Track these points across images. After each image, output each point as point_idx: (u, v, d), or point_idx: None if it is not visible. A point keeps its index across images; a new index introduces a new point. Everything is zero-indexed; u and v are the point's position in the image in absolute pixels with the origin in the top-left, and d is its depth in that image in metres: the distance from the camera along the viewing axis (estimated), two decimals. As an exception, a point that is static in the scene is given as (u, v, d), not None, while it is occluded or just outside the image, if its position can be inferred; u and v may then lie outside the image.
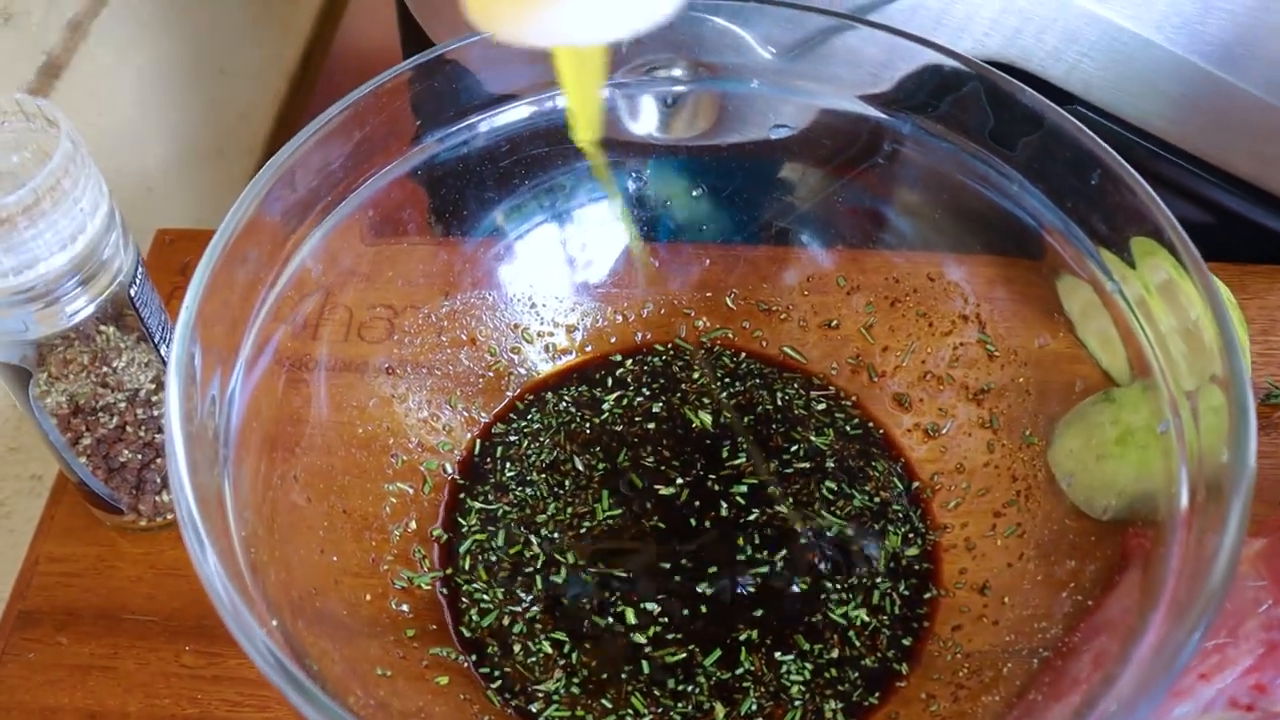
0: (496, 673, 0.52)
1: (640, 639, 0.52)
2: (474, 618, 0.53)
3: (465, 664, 0.52)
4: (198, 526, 0.40)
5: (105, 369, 0.51)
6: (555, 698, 0.51)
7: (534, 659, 0.52)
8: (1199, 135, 0.67)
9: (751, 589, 0.54)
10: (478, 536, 0.56)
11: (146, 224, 0.76)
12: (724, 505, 0.56)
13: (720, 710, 0.51)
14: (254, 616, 0.39)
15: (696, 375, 0.62)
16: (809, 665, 0.52)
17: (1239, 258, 0.68)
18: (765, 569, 0.54)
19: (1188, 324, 0.48)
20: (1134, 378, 0.51)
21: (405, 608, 0.53)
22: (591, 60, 0.39)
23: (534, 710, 0.51)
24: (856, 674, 0.52)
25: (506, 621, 0.53)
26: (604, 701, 0.51)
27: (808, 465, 0.58)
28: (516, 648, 0.52)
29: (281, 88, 1.22)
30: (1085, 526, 0.53)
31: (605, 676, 0.52)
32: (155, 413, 0.54)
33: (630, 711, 0.51)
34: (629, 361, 0.62)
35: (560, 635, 0.53)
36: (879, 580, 0.55)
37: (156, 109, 0.99)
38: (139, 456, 0.55)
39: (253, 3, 1.15)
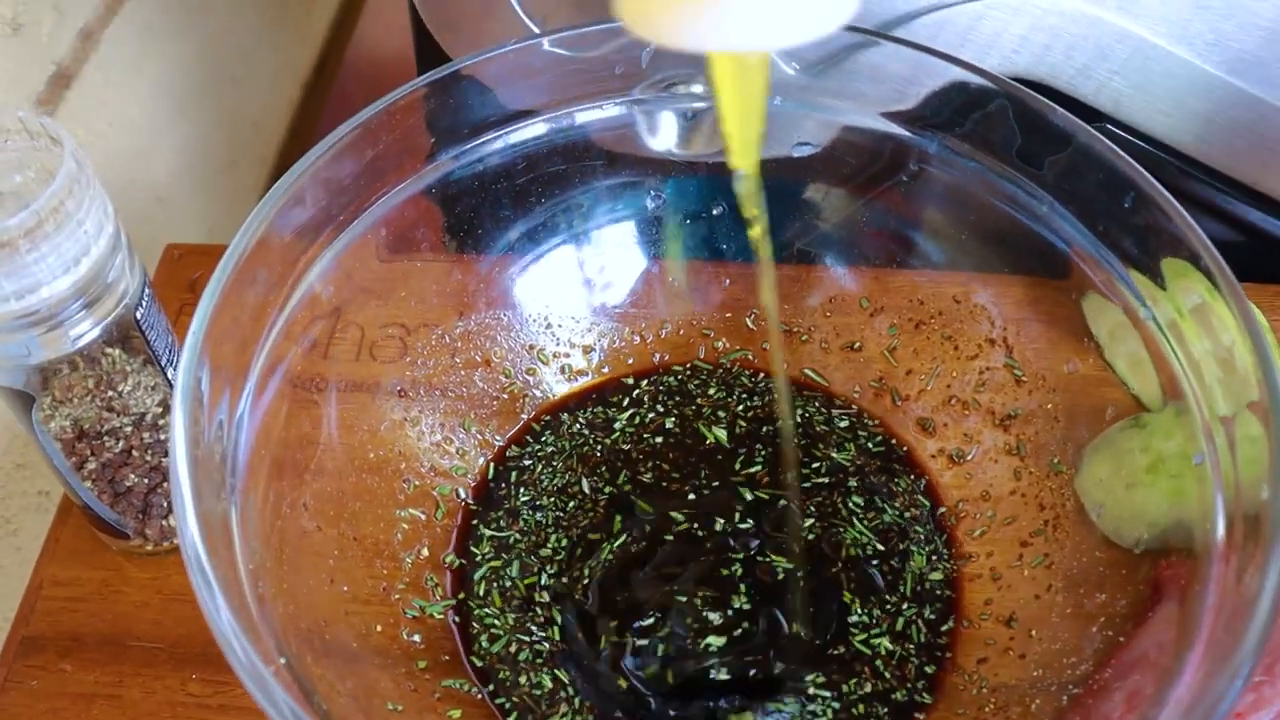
0: (508, 703, 0.51)
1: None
2: (484, 644, 0.52)
3: (479, 695, 0.51)
4: (204, 566, 0.38)
5: (110, 393, 0.50)
6: None
7: (539, 692, 0.51)
8: (1230, 153, 0.66)
9: (770, 617, 0.53)
10: (493, 563, 0.54)
11: (158, 235, 0.75)
12: (740, 526, 0.55)
13: None
14: (260, 656, 0.38)
15: (712, 392, 0.60)
16: (835, 701, 0.51)
17: (1270, 278, 0.66)
18: (784, 595, 0.53)
19: (1222, 349, 0.47)
20: (1166, 403, 0.50)
21: (417, 638, 0.52)
22: (756, 72, 0.36)
23: None
24: (884, 709, 0.51)
25: (514, 649, 0.52)
26: None
27: (828, 480, 0.57)
28: (523, 679, 0.51)
29: (295, 96, 1.21)
30: (1116, 558, 0.51)
31: (615, 716, 0.50)
32: (162, 436, 0.53)
33: None
34: (644, 382, 0.61)
35: (562, 674, 0.51)
36: (905, 606, 0.53)
37: (168, 119, 0.98)
38: (145, 481, 0.54)
39: (266, 10, 1.14)
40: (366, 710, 0.46)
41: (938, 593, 0.54)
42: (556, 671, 0.51)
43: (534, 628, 0.53)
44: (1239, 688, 0.37)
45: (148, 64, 0.93)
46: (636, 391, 0.60)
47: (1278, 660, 0.47)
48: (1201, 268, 0.47)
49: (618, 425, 0.59)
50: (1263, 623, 0.38)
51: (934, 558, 0.55)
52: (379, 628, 0.51)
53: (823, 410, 0.60)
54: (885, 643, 0.52)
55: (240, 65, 1.09)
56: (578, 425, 0.59)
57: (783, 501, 0.56)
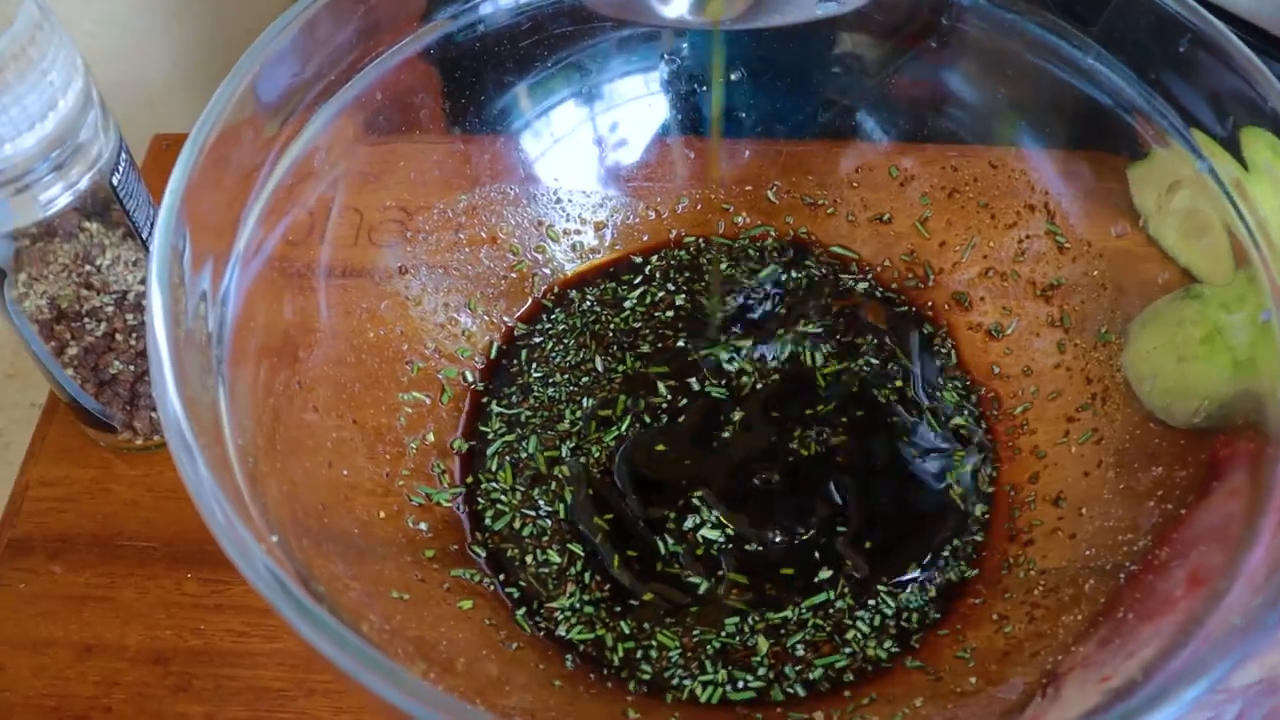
0: (516, 589, 0.48)
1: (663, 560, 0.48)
2: (489, 521, 0.49)
3: (491, 586, 0.48)
4: (183, 429, 0.35)
5: (89, 268, 0.46)
6: (571, 615, 0.47)
7: (546, 570, 0.48)
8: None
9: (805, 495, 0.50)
10: (506, 438, 0.52)
11: (145, 136, 0.71)
12: (763, 393, 0.52)
13: (763, 644, 0.46)
14: (250, 532, 0.34)
15: (724, 266, 0.57)
16: (857, 573, 0.48)
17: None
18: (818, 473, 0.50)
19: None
20: (1234, 268, 0.46)
21: (423, 526, 0.48)
22: None
23: (561, 634, 0.46)
24: (929, 591, 0.48)
25: (518, 524, 0.49)
26: (623, 625, 0.47)
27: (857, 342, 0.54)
28: (529, 557, 0.48)
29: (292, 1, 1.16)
30: (1171, 432, 0.48)
31: (621, 598, 0.47)
32: (147, 318, 0.49)
33: (654, 643, 0.46)
34: (654, 257, 0.57)
35: (575, 547, 0.49)
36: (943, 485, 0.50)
37: (160, 20, 0.93)
38: (131, 368, 0.50)
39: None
40: (369, 597, 0.43)
41: (978, 473, 0.51)
42: (569, 546, 0.49)
43: (542, 503, 0.50)
44: (1326, 547, 0.34)
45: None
46: (648, 268, 0.56)
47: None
48: (1269, 112, 0.43)
49: (628, 304, 0.55)
50: (1353, 474, 0.34)
51: (973, 438, 0.52)
52: (382, 514, 0.47)
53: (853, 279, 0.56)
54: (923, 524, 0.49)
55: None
56: (588, 303, 0.55)
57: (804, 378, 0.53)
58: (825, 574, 0.48)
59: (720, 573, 0.48)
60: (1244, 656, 0.33)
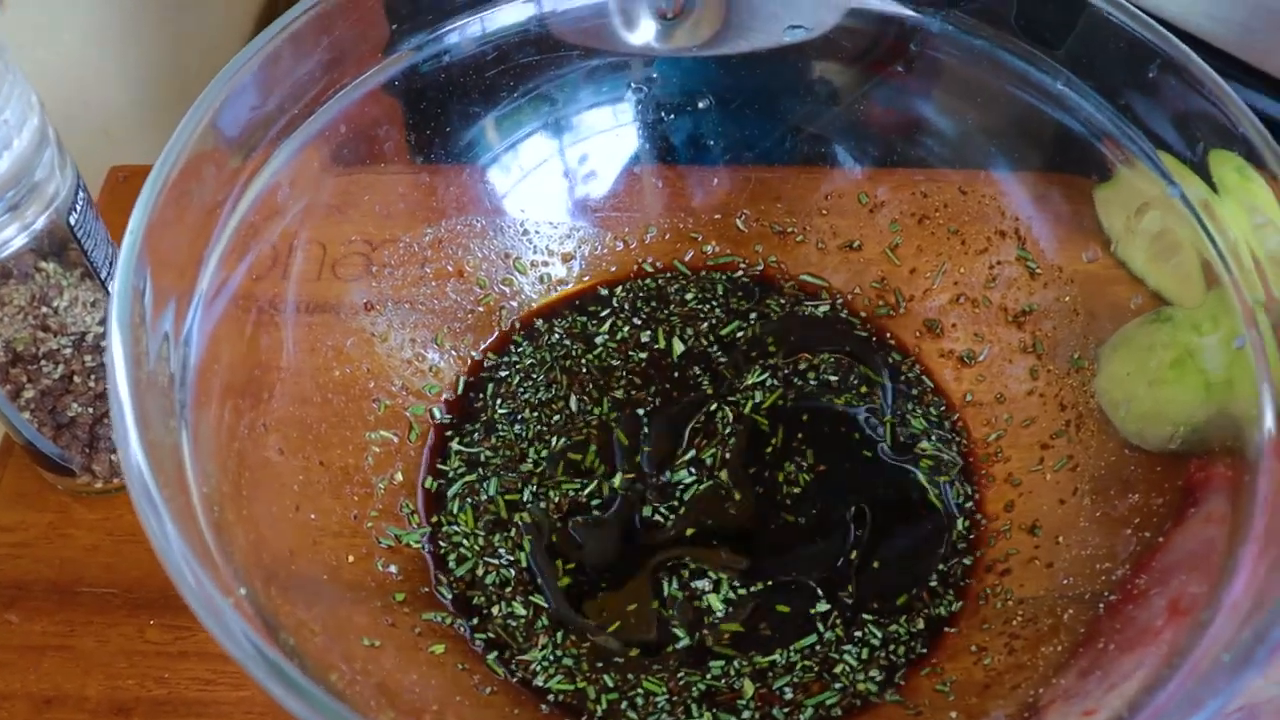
0: (486, 638, 0.47)
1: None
2: (451, 566, 0.48)
3: (461, 629, 0.47)
4: (146, 481, 0.34)
5: (45, 309, 0.45)
6: (549, 666, 0.46)
7: (514, 623, 0.47)
8: (1245, 34, 0.62)
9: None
10: (467, 479, 0.50)
11: (104, 169, 0.70)
12: (736, 434, 0.51)
13: (749, 687, 0.46)
14: (217, 586, 0.33)
15: (690, 297, 0.56)
16: (839, 618, 0.47)
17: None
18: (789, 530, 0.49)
19: (1263, 227, 0.43)
20: (1205, 290, 0.46)
21: (393, 569, 0.47)
22: None
23: (539, 684, 0.45)
24: (907, 626, 0.47)
25: (481, 572, 0.48)
26: (606, 679, 0.46)
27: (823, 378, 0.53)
28: (495, 608, 0.47)
29: (247, 27, 1.15)
30: (1147, 457, 0.48)
31: (597, 651, 0.47)
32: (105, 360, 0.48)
33: (640, 691, 0.45)
34: (619, 289, 0.56)
35: (538, 599, 0.48)
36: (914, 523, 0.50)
37: (113, 45, 0.92)
38: (89, 410, 0.49)
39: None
40: (340, 646, 0.42)
41: (959, 502, 0.50)
42: (531, 599, 0.48)
43: (503, 550, 0.49)
44: (1311, 580, 0.34)
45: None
46: (615, 300, 0.56)
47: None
48: (1238, 135, 0.43)
49: (599, 339, 0.54)
50: (1337, 505, 0.34)
51: (945, 465, 0.51)
52: (351, 558, 0.46)
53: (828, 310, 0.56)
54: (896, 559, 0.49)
55: (187, -8, 1.03)
56: (556, 335, 0.54)
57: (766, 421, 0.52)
58: (822, 606, 0.47)
59: (705, 620, 0.47)
60: (1234, 693, 0.32)
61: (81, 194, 0.45)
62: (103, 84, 0.91)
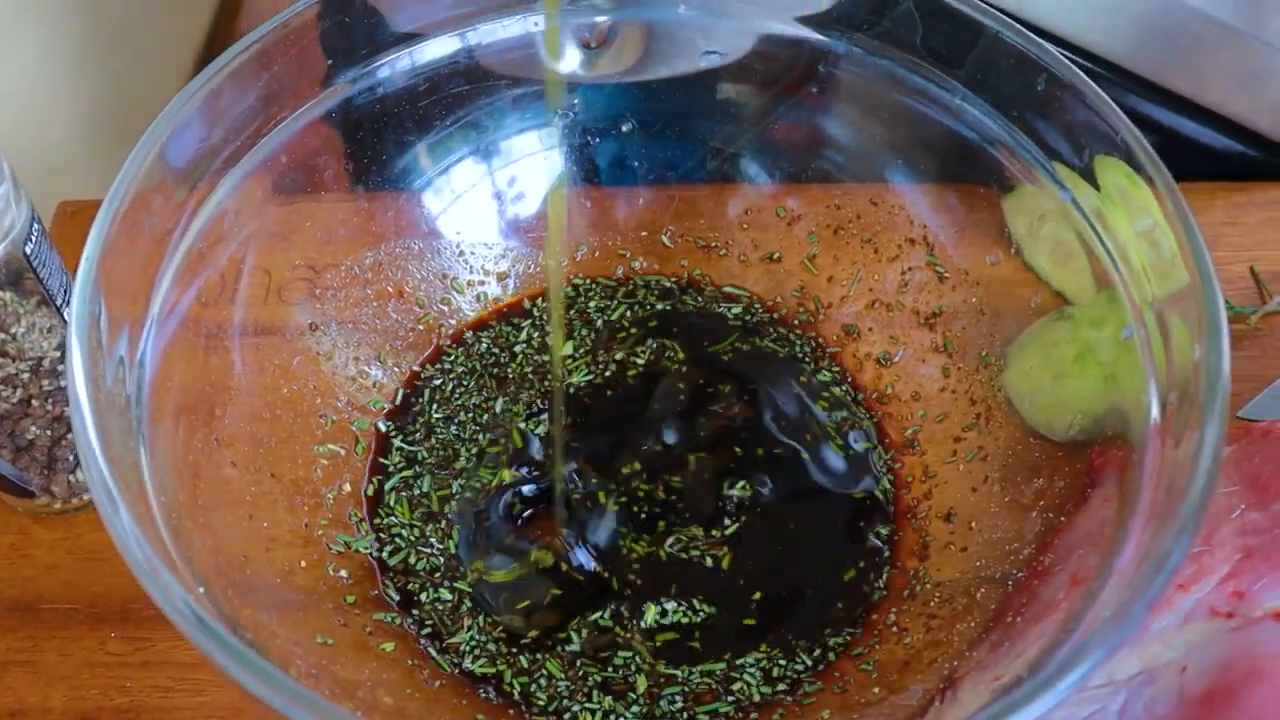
0: (424, 625, 0.49)
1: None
2: (387, 556, 0.51)
3: (410, 628, 0.49)
4: (109, 485, 0.36)
5: (3, 335, 0.47)
6: (474, 649, 0.49)
7: (443, 607, 0.50)
8: (1137, 50, 0.66)
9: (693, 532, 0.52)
10: (404, 474, 0.53)
11: (50, 203, 0.71)
12: (654, 441, 0.54)
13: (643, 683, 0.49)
14: (177, 580, 0.36)
15: (594, 304, 0.59)
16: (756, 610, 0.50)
17: (1178, 176, 0.66)
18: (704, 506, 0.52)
19: (1147, 230, 0.46)
20: (1097, 291, 0.49)
21: (344, 573, 0.50)
22: None
23: (469, 668, 0.48)
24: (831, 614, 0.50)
25: (413, 559, 0.51)
26: (521, 660, 0.49)
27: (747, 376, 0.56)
28: (423, 595, 0.50)
29: (187, 64, 1.17)
30: (1050, 446, 0.51)
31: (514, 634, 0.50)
32: (61, 384, 0.50)
33: (544, 673, 0.48)
34: (540, 300, 0.59)
35: (462, 585, 0.51)
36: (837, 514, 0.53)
37: (56, 84, 0.94)
38: (48, 433, 0.51)
39: (149, -23, 1.10)
40: (294, 644, 0.44)
41: (873, 495, 0.53)
42: (456, 585, 0.51)
43: (434, 539, 0.52)
44: (1186, 544, 0.37)
45: (33, 23, 0.89)
46: (535, 311, 0.59)
47: (1215, 529, 0.47)
48: (1119, 145, 0.46)
49: (518, 348, 0.57)
50: (1206, 474, 0.37)
51: (866, 461, 0.54)
52: (303, 563, 0.49)
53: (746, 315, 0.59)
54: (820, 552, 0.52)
55: (131, 32, 1.05)
56: (483, 345, 0.57)
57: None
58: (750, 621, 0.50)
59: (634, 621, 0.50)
60: (1116, 645, 0.35)
61: (36, 225, 0.47)
62: (50, 120, 0.93)
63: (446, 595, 0.50)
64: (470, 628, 0.49)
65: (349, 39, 0.52)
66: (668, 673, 0.49)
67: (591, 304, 0.59)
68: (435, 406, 0.56)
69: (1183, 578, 0.46)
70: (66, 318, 0.49)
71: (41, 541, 0.55)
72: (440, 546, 0.52)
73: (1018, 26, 0.49)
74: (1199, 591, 0.46)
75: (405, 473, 0.53)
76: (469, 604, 0.50)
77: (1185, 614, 0.46)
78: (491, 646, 0.49)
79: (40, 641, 0.52)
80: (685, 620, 0.50)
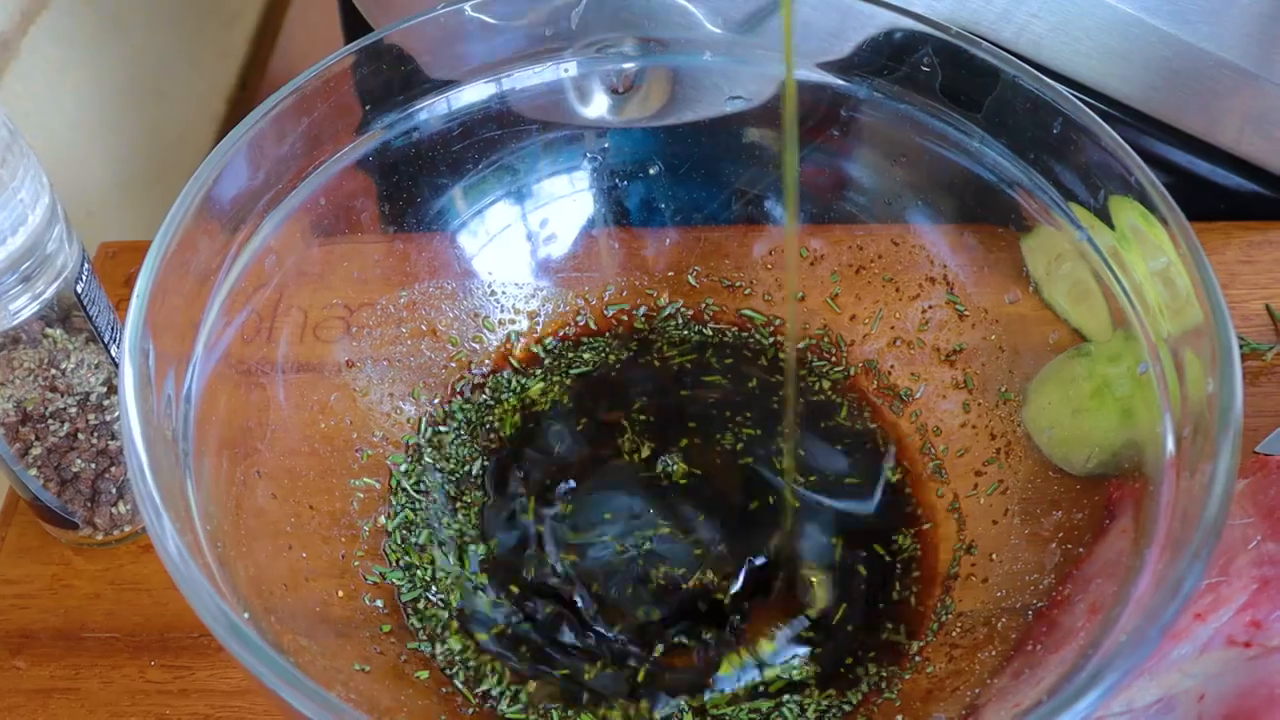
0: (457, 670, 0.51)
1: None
2: (404, 595, 0.52)
3: (436, 660, 0.50)
4: (159, 508, 0.38)
5: (54, 371, 0.49)
6: (507, 692, 0.50)
7: (457, 656, 0.51)
8: (1150, 93, 0.67)
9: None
10: (407, 513, 0.54)
11: (88, 245, 0.73)
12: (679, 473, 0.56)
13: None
14: (225, 603, 0.37)
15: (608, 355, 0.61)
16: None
17: (1193, 215, 0.67)
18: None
19: (1162, 268, 0.47)
20: (1114, 328, 0.50)
21: (379, 603, 0.51)
22: None
23: (503, 711, 0.49)
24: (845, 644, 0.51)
25: (422, 605, 0.52)
26: (554, 714, 0.50)
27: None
28: (437, 645, 0.51)
29: (220, 109, 1.20)
30: (1069, 479, 0.52)
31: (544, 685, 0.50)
32: (108, 418, 0.52)
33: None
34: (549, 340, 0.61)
35: (481, 635, 0.51)
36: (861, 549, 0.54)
37: (94, 132, 0.97)
38: (92, 466, 0.53)
39: (186, 24, 1.13)
40: (333, 670, 0.45)
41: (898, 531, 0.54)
42: (472, 634, 0.51)
43: (435, 588, 0.52)
44: (1200, 569, 0.38)
45: (71, 75, 0.92)
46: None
47: (1232, 559, 0.48)
48: (1132, 185, 0.48)
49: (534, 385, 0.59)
50: (1219, 502, 0.38)
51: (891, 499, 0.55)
52: (340, 593, 0.50)
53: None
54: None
55: (164, 79, 1.08)
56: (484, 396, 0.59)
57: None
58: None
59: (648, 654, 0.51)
60: (1132, 668, 0.36)
61: (86, 265, 0.49)
62: (88, 167, 0.96)
63: (456, 645, 0.51)
64: (494, 673, 0.50)
65: (385, 85, 0.54)
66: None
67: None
68: (445, 447, 0.57)
69: (1200, 607, 0.47)
70: (113, 355, 0.51)
71: (83, 572, 0.56)
72: (443, 598, 0.52)
73: (1034, 71, 0.51)
74: (1216, 621, 0.47)
75: (408, 512, 0.54)
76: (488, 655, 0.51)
77: (1203, 643, 0.47)
78: (524, 695, 0.50)
79: (82, 670, 0.53)
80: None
